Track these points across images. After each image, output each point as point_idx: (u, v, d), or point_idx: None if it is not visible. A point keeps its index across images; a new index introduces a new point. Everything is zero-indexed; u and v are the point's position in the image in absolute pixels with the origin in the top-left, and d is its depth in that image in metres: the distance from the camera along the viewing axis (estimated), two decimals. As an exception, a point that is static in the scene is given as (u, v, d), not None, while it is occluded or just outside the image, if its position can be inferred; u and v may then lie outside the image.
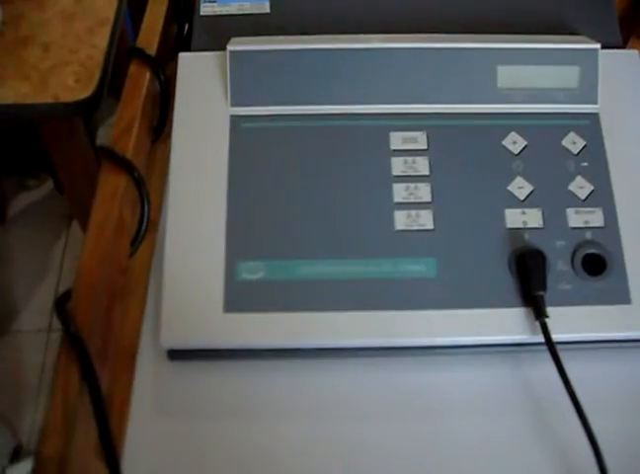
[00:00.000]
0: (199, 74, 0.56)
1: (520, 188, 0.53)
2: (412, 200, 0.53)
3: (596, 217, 0.53)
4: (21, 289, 1.45)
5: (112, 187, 0.50)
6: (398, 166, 0.53)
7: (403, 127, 0.55)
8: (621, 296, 0.51)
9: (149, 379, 0.51)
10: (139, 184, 0.51)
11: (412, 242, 0.52)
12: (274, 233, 0.51)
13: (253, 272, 0.50)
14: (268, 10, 0.60)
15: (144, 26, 0.60)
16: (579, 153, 0.54)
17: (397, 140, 0.54)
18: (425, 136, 0.54)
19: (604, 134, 0.55)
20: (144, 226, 0.52)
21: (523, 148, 0.54)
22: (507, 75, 0.56)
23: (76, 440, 0.42)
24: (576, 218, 0.53)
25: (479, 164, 0.54)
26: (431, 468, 0.48)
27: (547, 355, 0.49)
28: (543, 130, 0.55)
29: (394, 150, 0.54)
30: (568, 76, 0.56)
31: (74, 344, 0.43)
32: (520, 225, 0.52)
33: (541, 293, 0.50)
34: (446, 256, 0.51)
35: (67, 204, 1.18)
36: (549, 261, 0.51)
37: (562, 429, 0.49)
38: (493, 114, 0.55)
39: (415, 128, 0.55)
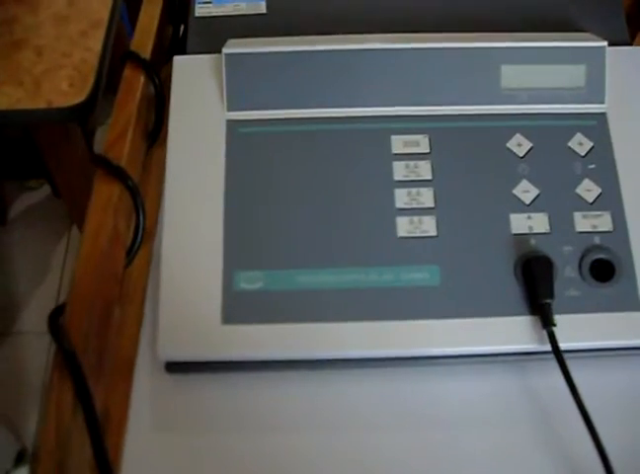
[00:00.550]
0: (194, 78, 0.54)
1: (526, 191, 0.52)
2: (414, 206, 0.51)
3: (604, 221, 0.51)
4: (23, 291, 1.44)
5: (105, 196, 0.49)
6: (400, 170, 0.52)
7: (404, 130, 0.53)
8: (631, 303, 0.50)
9: (147, 392, 0.50)
10: (134, 193, 0.50)
11: (414, 249, 0.50)
12: (272, 241, 0.50)
13: (251, 281, 0.49)
14: (264, 10, 0.58)
15: (138, 28, 0.59)
16: (586, 155, 0.53)
17: (398, 144, 0.53)
18: (427, 139, 0.53)
19: (612, 135, 0.54)
20: (139, 236, 0.51)
21: (529, 150, 0.53)
22: (511, 75, 0.54)
23: (71, 458, 0.41)
24: (583, 223, 0.51)
25: (483, 167, 0.52)
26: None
27: (555, 364, 0.48)
28: (549, 132, 0.54)
29: (395, 154, 0.52)
30: (574, 75, 0.54)
31: (68, 360, 0.42)
32: (526, 230, 0.51)
33: (548, 301, 0.48)
34: (450, 263, 0.50)
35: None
36: (556, 267, 0.50)
37: (570, 439, 0.48)
38: (497, 115, 0.54)
39: (417, 131, 0.53)
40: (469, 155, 0.53)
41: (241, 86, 0.53)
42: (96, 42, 0.74)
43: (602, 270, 0.50)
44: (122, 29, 0.88)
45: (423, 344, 0.48)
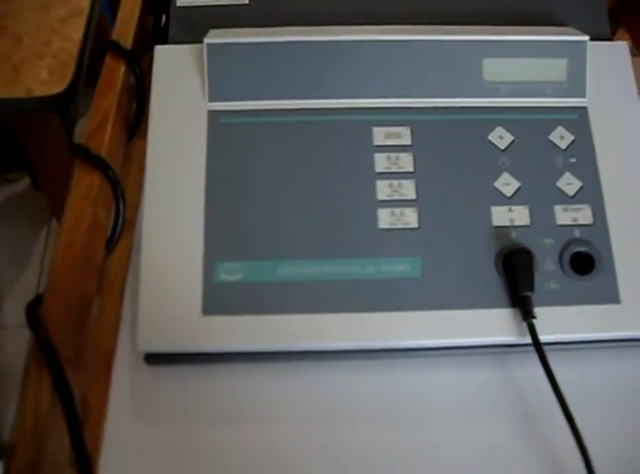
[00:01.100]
0: (175, 68, 0.54)
1: (507, 184, 0.52)
2: (396, 198, 0.51)
3: (584, 215, 0.51)
4: (1, 284, 1.43)
5: (85, 186, 0.48)
6: (381, 162, 0.52)
7: (386, 122, 0.53)
8: (610, 296, 0.50)
9: (126, 383, 0.50)
10: (114, 183, 0.50)
11: (396, 241, 0.50)
12: (253, 233, 0.50)
13: (232, 273, 0.49)
14: (246, 1, 0.58)
15: (120, 18, 0.59)
16: (567, 148, 0.53)
17: (380, 136, 0.53)
18: (409, 131, 0.53)
19: (593, 129, 0.54)
20: (119, 227, 0.51)
21: (510, 143, 0.53)
22: (493, 68, 0.54)
23: (49, 450, 0.40)
24: (564, 216, 0.51)
25: (465, 160, 0.52)
26: (418, 472, 0.47)
27: (535, 357, 0.48)
28: (530, 125, 0.54)
29: (377, 146, 0.52)
30: (556, 69, 0.55)
31: (45, 351, 0.41)
32: (507, 223, 0.51)
33: (529, 294, 0.48)
34: (431, 255, 0.50)
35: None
36: (537, 259, 0.50)
37: (549, 431, 0.48)
38: (479, 108, 0.54)
39: (398, 123, 0.53)
40: (451, 147, 0.53)
41: (223, 76, 0.53)
42: (76, 31, 0.73)
43: (582, 263, 0.50)
44: (103, 18, 0.87)
45: (404, 336, 0.48)
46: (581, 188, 0.52)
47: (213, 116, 0.53)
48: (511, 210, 0.51)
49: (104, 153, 0.50)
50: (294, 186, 0.51)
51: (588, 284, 0.50)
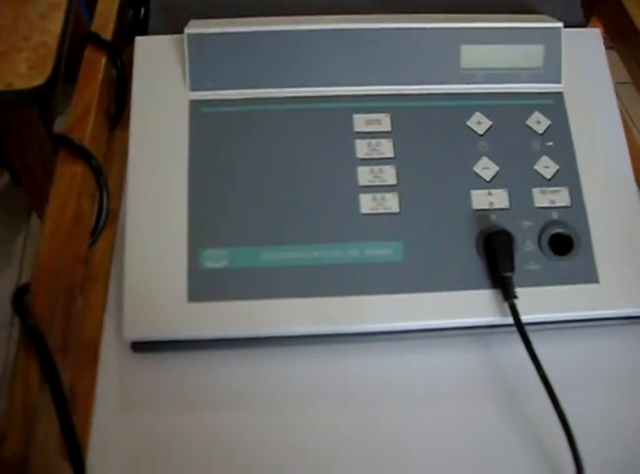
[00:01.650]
0: (156, 58, 0.54)
1: (486, 168, 0.53)
2: (377, 183, 0.52)
3: (562, 197, 0.52)
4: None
5: (68, 176, 0.48)
6: (362, 148, 0.53)
7: (366, 109, 0.54)
8: (589, 276, 0.51)
9: (113, 372, 0.50)
10: (97, 172, 0.50)
11: (378, 225, 0.51)
12: (237, 219, 0.50)
13: (216, 259, 0.49)
14: (226, -9, 0.58)
15: (99, 10, 0.59)
16: (544, 133, 0.54)
17: (361, 122, 0.53)
18: (388, 118, 0.54)
19: (569, 114, 0.55)
20: (103, 216, 0.51)
21: (488, 128, 0.54)
22: (470, 55, 0.55)
23: (38, 438, 0.40)
24: (542, 198, 0.52)
25: (444, 145, 0.53)
26: (402, 452, 0.48)
27: (517, 337, 0.49)
28: (508, 110, 0.55)
29: (358, 132, 0.53)
30: (531, 55, 0.55)
31: (33, 338, 0.41)
32: (487, 206, 0.52)
33: (509, 274, 0.49)
34: (413, 239, 0.51)
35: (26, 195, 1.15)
36: (516, 241, 0.51)
37: (533, 410, 0.49)
38: (457, 94, 0.55)
39: (378, 110, 0.54)
40: (430, 133, 0.53)
41: (204, 66, 0.53)
42: (55, 25, 0.73)
43: (561, 243, 0.51)
44: (80, 14, 0.86)
45: (388, 318, 0.49)
46: (558, 170, 0.53)
47: (195, 105, 0.53)
48: (490, 194, 0.52)
49: (86, 143, 0.50)
50: (277, 173, 0.52)
51: (567, 265, 0.51)
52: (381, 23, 0.54)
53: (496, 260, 0.50)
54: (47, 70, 0.68)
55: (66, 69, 0.76)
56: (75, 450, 0.42)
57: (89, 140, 0.51)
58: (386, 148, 0.53)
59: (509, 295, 0.49)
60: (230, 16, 0.56)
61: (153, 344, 0.50)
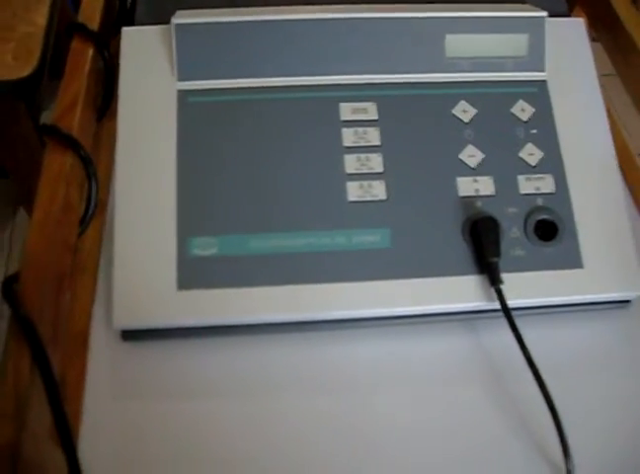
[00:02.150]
0: (143, 49, 0.55)
1: (472, 156, 0.53)
2: (364, 171, 0.52)
3: (546, 183, 0.53)
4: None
5: (57, 166, 0.49)
6: (349, 137, 0.53)
7: (353, 98, 0.54)
8: (573, 261, 0.52)
9: (103, 361, 0.50)
10: (86, 162, 0.50)
11: (365, 213, 0.51)
12: (225, 208, 0.51)
13: (205, 247, 0.50)
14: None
15: (85, 1, 0.59)
16: (528, 120, 0.55)
17: (347, 111, 0.54)
18: (375, 107, 0.54)
19: (553, 101, 0.56)
20: (92, 205, 0.51)
21: (474, 116, 0.54)
22: (455, 44, 0.55)
23: (29, 424, 0.41)
24: (527, 185, 0.53)
25: (430, 133, 0.54)
26: (386, 438, 0.48)
27: (503, 322, 0.49)
28: (492, 98, 0.55)
29: (344, 121, 0.53)
30: (516, 44, 0.56)
31: (23, 326, 0.42)
32: (473, 193, 0.52)
33: (495, 260, 0.50)
34: (400, 226, 0.51)
35: (12, 190, 1.14)
36: (502, 227, 0.51)
37: (519, 392, 0.50)
38: (442, 83, 0.55)
39: (364, 99, 0.54)
40: (416, 121, 0.54)
41: (191, 56, 0.54)
42: (40, 16, 0.72)
43: (546, 229, 0.52)
44: (66, 6, 0.86)
45: (377, 304, 0.50)
46: (542, 158, 0.54)
47: (183, 95, 0.53)
48: (476, 181, 0.53)
49: (74, 133, 0.50)
50: (265, 161, 0.52)
51: (552, 250, 0.52)
52: (367, 12, 0.55)
53: (482, 246, 0.50)
54: (34, 61, 0.68)
55: (51, 65, 0.76)
56: (67, 436, 0.42)
57: (77, 130, 0.51)
58: (373, 136, 0.53)
59: (495, 280, 0.49)
60: (216, 6, 0.56)
61: (143, 332, 0.50)
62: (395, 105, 0.54)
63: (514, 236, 0.52)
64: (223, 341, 0.51)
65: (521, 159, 0.53)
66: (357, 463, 0.47)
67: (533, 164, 0.53)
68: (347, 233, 0.51)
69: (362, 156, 0.53)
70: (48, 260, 0.46)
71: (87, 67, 0.55)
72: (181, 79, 0.54)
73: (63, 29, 0.55)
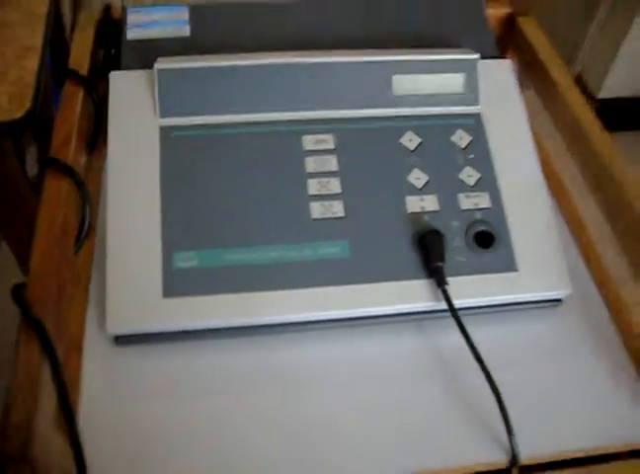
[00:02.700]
0: (129, 90, 0.62)
1: (418, 178, 0.61)
2: (325, 193, 0.60)
3: (483, 200, 0.61)
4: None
5: (56, 190, 0.56)
6: (311, 164, 0.61)
7: (313, 131, 0.62)
8: (509, 265, 0.59)
9: (97, 366, 0.56)
10: (81, 187, 0.57)
11: (327, 228, 0.59)
12: (204, 227, 0.58)
13: (187, 261, 0.56)
14: (188, 33, 0.67)
15: (73, 50, 0.66)
16: (466, 147, 0.63)
17: (309, 142, 0.62)
18: (333, 138, 0.62)
19: (487, 131, 0.64)
20: (86, 226, 0.58)
21: (419, 145, 0.63)
22: (401, 83, 0.64)
23: (39, 411, 0.46)
24: (466, 202, 0.61)
25: (381, 160, 0.62)
26: (345, 433, 0.54)
27: (451, 321, 0.57)
28: (435, 129, 0.64)
29: (307, 151, 0.61)
30: (453, 82, 0.65)
31: (34, 325, 0.48)
32: (420, 210, 0.60)
33: (441, 264, 0.57)
34: (357, 239, 0.59)
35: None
36: (446, 238, 0.59)
37: (467, 382, 0.57)
38: (390, 117, 0.64)
39: (324, 131, 0.62)
40: (369, 150, 0.62)
41: (171, 96, 0.61)
42: (31, 62, 0.79)
43: (484, 239, 0.60)
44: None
45: (339, 306, 0.57)
46: (480, 178, 0.62)
47: (165, 130, 0.61)
48: (422, 199, 0.61)
49: (69, 163, 0.57)
50: (238, 187, 0.59)
51: (490, 257, 0.59)
52: (327, 57, 0.63)
53: (429, 254, 0.58)
54: (27, 103, 0.75)
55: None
56: (71, 421, 0.48)
57: (72, 161, 0.58)
58: (331, 164, 0.61)
59: (441, 282, 0.57)
60: (192, 53, 0.64)
61: (134, 337, 0.56)
62: (350, 136, 0.62)
63: (456, 245, 0.59)
64: (204, 343, 0.57)
65: (461, 180, 0.62)
66: (298, 461, 0.53)
67: (472, 184, 0.62)
68: (311, 246, 0.58)
69: (323, 180, 0.60)
70: (51, 272, 0.52)
71: (78, 108, 0.62)
72: (163, 116, 0.61)
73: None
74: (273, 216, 0.59)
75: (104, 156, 0.61)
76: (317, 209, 0.59)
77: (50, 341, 0.48)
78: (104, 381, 0.56)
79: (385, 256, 0.58)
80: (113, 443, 0.53)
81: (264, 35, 0.67)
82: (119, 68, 0.64)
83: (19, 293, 0.49)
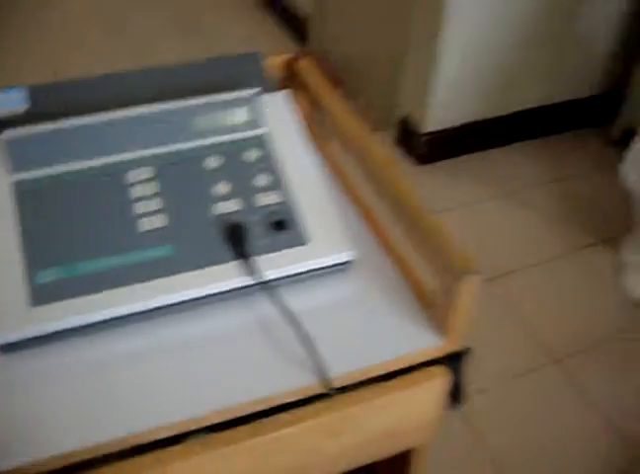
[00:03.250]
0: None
1: (222, 189, 0.79)
2: (149, 210, 0.77)
3: (275, 197, 0.79)
4: None
5: None
6: (137, 191, 0.78)
7: (135, 165, 0.79)
8: (301, 241, 0.77)
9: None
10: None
11: (154, 237, 0.75)
12: (59, 248, 0.73)
13: (47, 276, 0.72)
14: (25, 107, 0.83)
15: None
16: (257, 160, 0.81)
17: (133, 175, 0.79)
18: (151, 169, 0.79)
19: (274, 146, 0.83)
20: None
21: (220, 165, 0.80)
22: (200, 121, 0.82)
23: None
24: (263, 199, 0.79)
25: (191, 178, 0.79)
26: (180, 392, 0.70)
27: (264, 293, 0.74)
28: (232, 150, 0.82)
29: (131, 182, 0.78)
30: (241, 113, 0.83)
31: None
32: (227, 211, 0.78)
33: (246, 247, 0.75)
34: (179, 241, 0.75)
35: None
36: (249, 229, 0.76)
37: (282, 337, 0.73)
38: (193, 148, 0.81)
39: (144, 165, 0.79)
40: (180, 175, 0.79)
41: (19, 157, 0.77)
42: None
43: (280, 225, 0.78)
44: None
45: (171, 291, 0.73)
46: (272, 181, 0.80)
47: (17, 182, 0.77)
48: (227, 204, 0.78)
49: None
50: (81, 215, 0.75)
51: (285, 237, 0.77)
52: (139, 110, 0.81)
53: (237, 242, 0.75)
54: None
55: None
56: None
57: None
58: (153, 188, 0.78)
59: (247, 256, 0.74)
60: (31, 123, 0.80)
61: (16, 344, 0.71)
62: (167, 166, 0.80)
63: (258, 233, 0.77)
64: (79, 340, 0.72)
65: (256, 185, 0.80)
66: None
67: (264, 186, 0.80)
68: (143, 251, 0.74)
69: (148, 201, 0.77)
70: None
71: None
72: (14, 172, 0.77)
73: None
74: (111, 233, 0.75)
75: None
76: (144, 224, 0.76)
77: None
78: (-7, 383, 0.70)
79: (204, 250, 0.75)
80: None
81: (87, 101, 0.85)
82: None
83: None
